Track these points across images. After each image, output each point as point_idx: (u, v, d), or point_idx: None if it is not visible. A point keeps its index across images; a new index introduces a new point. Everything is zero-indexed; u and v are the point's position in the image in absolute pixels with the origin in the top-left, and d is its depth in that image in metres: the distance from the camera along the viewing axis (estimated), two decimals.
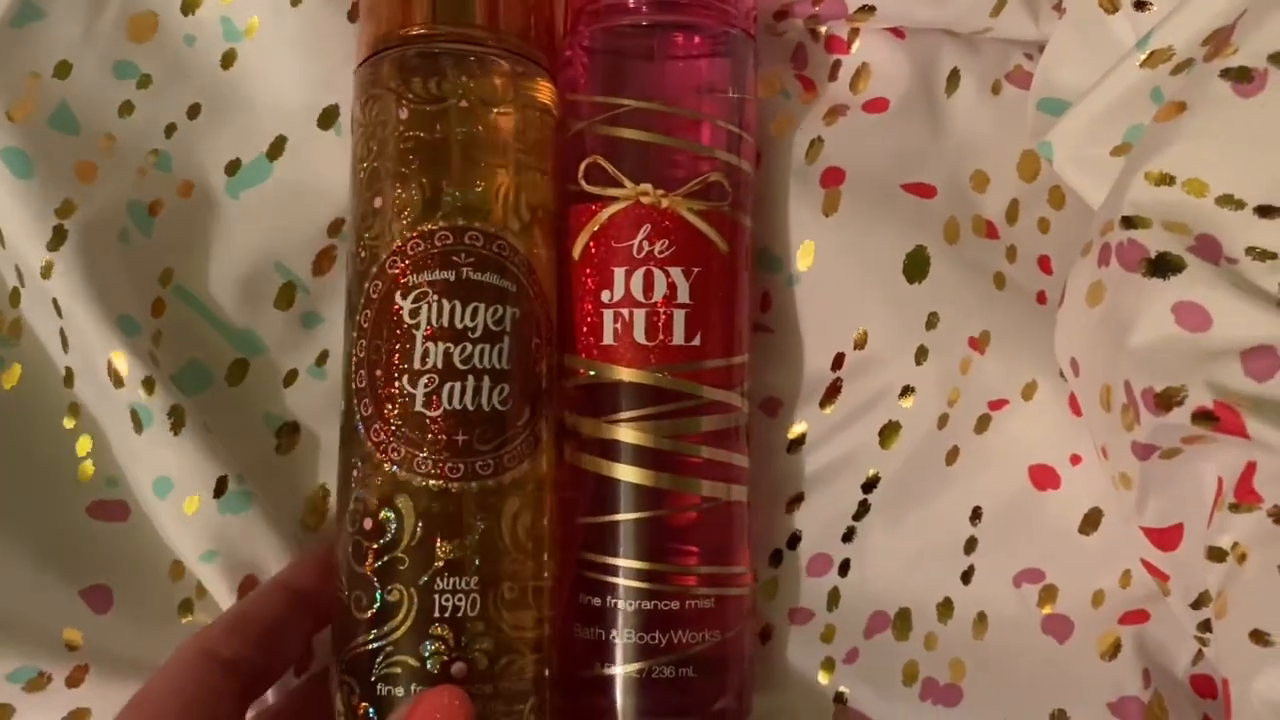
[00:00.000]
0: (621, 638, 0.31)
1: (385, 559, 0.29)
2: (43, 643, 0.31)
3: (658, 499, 0.32)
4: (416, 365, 0.30)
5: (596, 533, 0.32)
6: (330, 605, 0.30)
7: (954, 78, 0.37)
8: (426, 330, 0.30)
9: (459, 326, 0.30)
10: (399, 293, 0.30)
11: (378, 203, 0.31)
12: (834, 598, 0.36)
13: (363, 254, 0.31)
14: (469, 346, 0.30)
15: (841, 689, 0.35)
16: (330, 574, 0.30)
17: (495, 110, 0.31)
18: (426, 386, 0.30)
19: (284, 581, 0.31)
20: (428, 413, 0.30)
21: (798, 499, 0.36)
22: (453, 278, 0.30)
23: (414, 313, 0.30)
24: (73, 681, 0.31)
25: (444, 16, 0.31)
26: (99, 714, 0.32)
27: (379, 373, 0.30)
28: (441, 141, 0.31)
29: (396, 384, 0.30)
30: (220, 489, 0.32)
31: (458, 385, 0.30)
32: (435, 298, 0.30)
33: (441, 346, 0.30)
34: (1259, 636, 0.26)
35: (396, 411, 0.30)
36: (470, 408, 0.30)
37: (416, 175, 0.30)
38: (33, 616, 0.31)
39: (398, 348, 0.30)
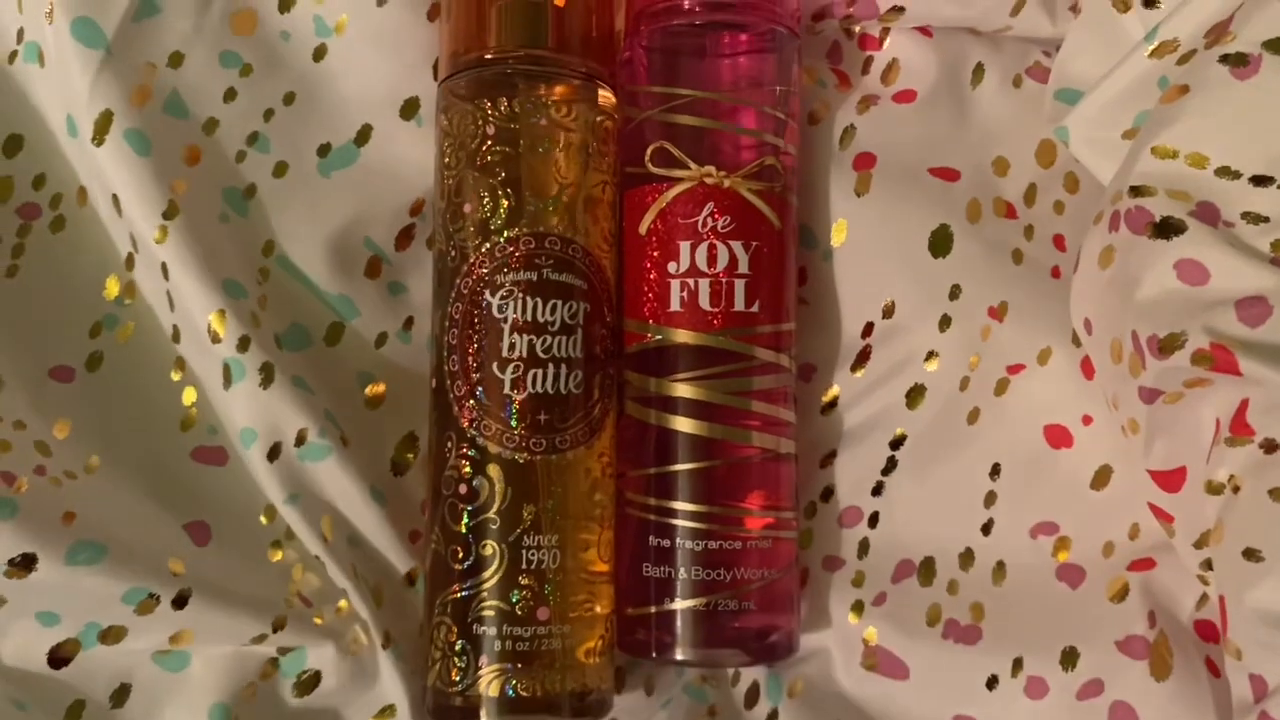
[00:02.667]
0: (689, 574, 0.35)
1: (479, 519, 0.34)
2: (152, 568, 0.34)
3: (717, 449, 0.35)
4: (504, 354, 0.34)
5: (662, 481, 0.35)
6: None
7: (978, 71, 0.40)
8: (513, 324, 0.34)
9: (540, 320, 0.34)
10: (488, 290, 0.34)
11: (467, 208, 0.35)
12: (864, 547, 0.39)
13: (453, 252, 0.35)
14: (549, 338, 0.34)
15: (870, 629, 0.38)
16: None
17: (566, 123, 0.35)
18: (513, 373, 0.34)
19: None
20: (514, 395, 0.34)
21: (831, 456, 0.39)
22: (535, 278, 0.34)
23: (501, 308, 0.34)
24: (178, 603, 0.34)
25: (517, 38, 0.35)
26: (200, 637, 0.35)
27: (470, 359, 0.34)
28: (522, 157, 0.35)
29: (486, 369, 0.34)
30: (300, 440, 0.36)
31: (539, 372, 0.34)
32: (520, 295, 0.34)
33: (526, 338, 0.34)
34: (1251, 554, 0.29)
35: (486, 393, 0.34)
36: (550, 391, 0.34)
37: (502, 186, 0.35)
38: (143, 545, 0.34)
39: (487, 338, 0.34)
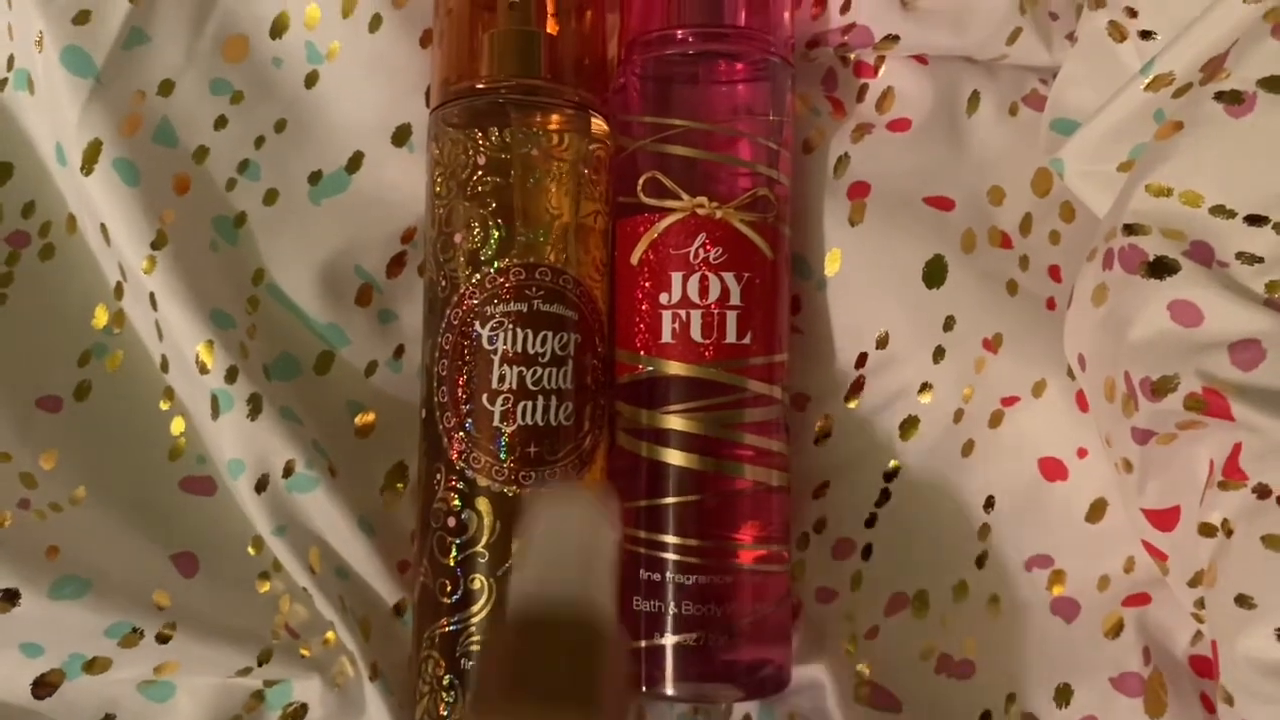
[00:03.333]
0: (680, 609, 0.34)
1: (467, 553, 0.34)
2: (137, 602, 0.34)
3: (708, 482, 0.35)
4: (494, 385, 0.34)
5: (653, 514, 0.35)
6: None
7: (974, 100, 0.40)
8: (503, 355, 0.34)
9: (531, 352, 0.34)
10: (478, 321, 0.34)
11: (458, 238, 0.35)
12: (857, 579, 0.39)
13: (443, 282, 0.35)
14: (539, 370, 0.34)
15: (863, 662, 0.38)
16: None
17: (559, 153, 0.35)
18: (503, 405, 0.34)
19: None
20: (503, 427, 0.34)
21: (824, 486, 0.39)
22: (525, 309, 0.34)
23: (492, 339, 0.34)
24: (161, 638, 0.34)
25: (510, 68, 0.35)
26: (184, 668, 0.35)
27: (459, 390, 0.34)
28: (513, 187, 0.34)
29: (476, 401, 0.34)
30: (288, 471, 0.36)
31: (529, 404, 0.34)
32: (511, 327, 0.34)
33: (516, 370, 0.34)
34: (1243, 600, 0.29)
35: (476, 425, 0.34)
36: (540, 423, 0.34)
37: (493, 216, 0.34)
38: (128, 578, 0.34)
39: (477, 369, 0.34)
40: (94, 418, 0.36)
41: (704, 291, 0.35)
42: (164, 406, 0.37)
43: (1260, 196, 0.31)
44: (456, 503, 0.34)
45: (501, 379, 0.34)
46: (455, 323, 0.34)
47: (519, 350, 0.34)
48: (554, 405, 0.34)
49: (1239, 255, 0.31)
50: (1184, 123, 0.32)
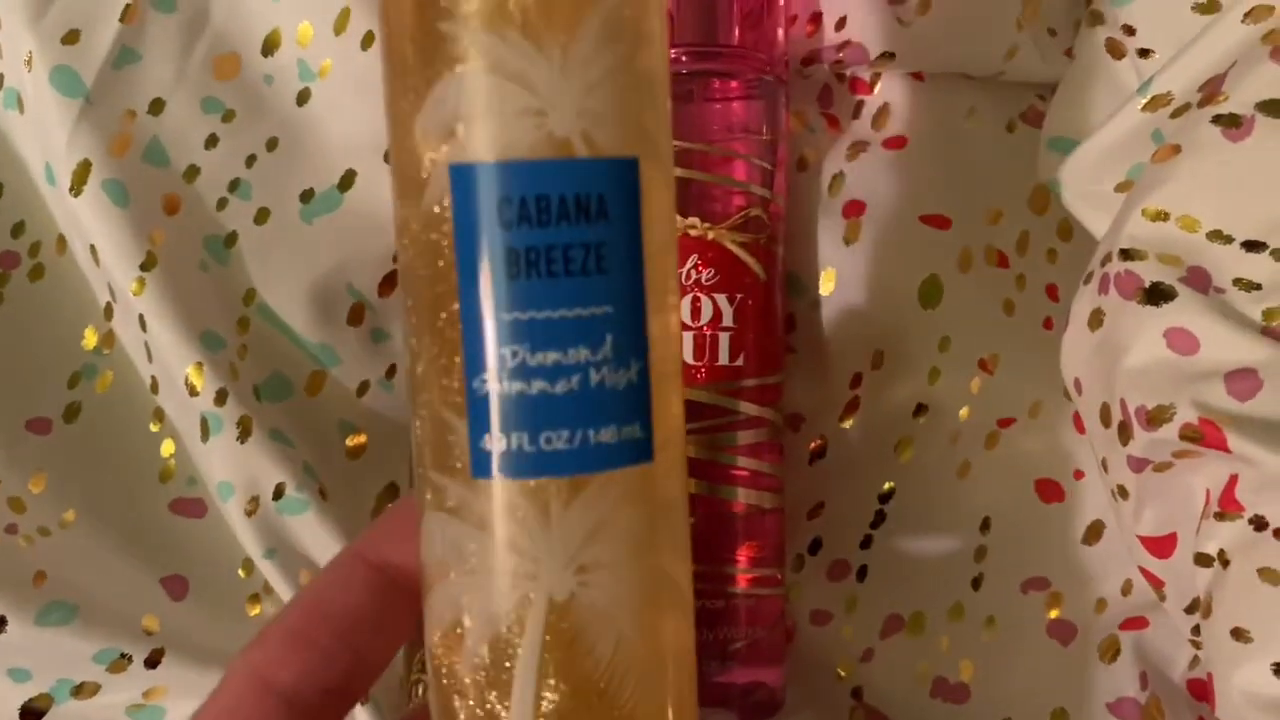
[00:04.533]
0: None
1: None
2: (124, 627, 0.34)
3: (701, 505, 0.35)
4: None
5: None
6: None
7: (971, 117, 0.40)
8: None
9: None
10: None
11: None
12: (852, 601, 0.38)
13: None
14: None
15: (858, 685, 0.37)
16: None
17: None
18: None
19: (363, 554, 0.23)
20: None
21: (818, 508, 0.39)
22: None
23: None
24: (150, 663, 0.34)
25: None
26: (173, 692, 0.35)
27: None
28: None
29: None
30: (278, 493, 0.35)
31: None
32: None
33: None
34: (1239, 634, 0.28)
35: None
36: None
37: None
38: (116, 603, 0.34)
39: None
40: (84, 440, 0.36)
41: (696, 313, 0.35)
42: (154, 428, 0.37)
43: (1258, 222, 0.30)
44: None
45: None
46: None
47: None
48: None
49: (1236, 281, 0.30)
50: (1181, 146, 0.32)
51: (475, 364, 0.20)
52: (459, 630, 0.21)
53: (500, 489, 0.20)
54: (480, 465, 0.20)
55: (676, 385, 0.22)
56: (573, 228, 0.20)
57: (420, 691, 0.34)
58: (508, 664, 0.20)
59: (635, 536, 0.21)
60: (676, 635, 0.22)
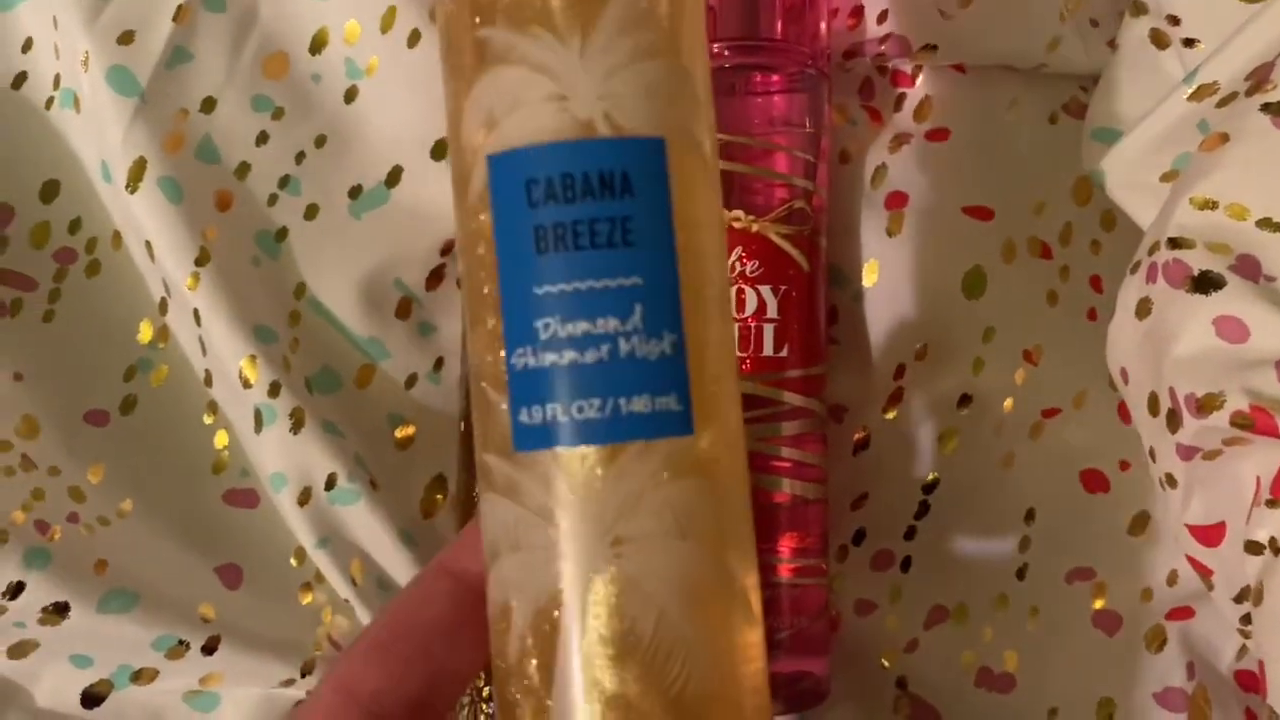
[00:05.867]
0: None
1: None
2: (182, 614, 0.35)
3: None
4: None
5: None
6: None
7: (1013, 108, 0.40)
8: None
9: None
10: None
11: None
12: (896, 592, 0.38)
13: None
14: None
15: (903, 675, 0.37)
16: None
17: None
18: None
19: (447, 566, 0.23)
20: None
21: (863, 498, 0.39)
22: None
23: None
24: (207, 650, 0.35)
25: None
26: (229, 679, 0.35)
27: None
28: None
29: None
30: (330, 484, 0.36)
31: None
32: None
33: None
34: None
35: None
36: None
37: None
38: (174, 590, 0.35)
39: None
40: (140, 432, 0.37)
41: (740, 305, 0.35)
42: (208, 420, 0.38)
43: None
44: None
45: None
46: None
47: None
48: None
49: None
50: (1230, 134, 0.32)
51: (513, 339, 0.21)
52: (508, 613, 0.21)
53: (538, 461, 0.20)
54: (520, 438, 0.21)
55: (731, 362, 0.22)
56: (597, 203, 0.21)
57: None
58: (550, 641, 0.20)
59: (677, 511, 0.21)
60: (728, 620, 0.21)
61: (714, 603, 0.21)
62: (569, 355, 0.20)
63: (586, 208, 0.21)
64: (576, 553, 0.20)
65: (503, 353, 0.21)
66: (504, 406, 0.21)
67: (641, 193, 0.21)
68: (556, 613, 0.20)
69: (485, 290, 0.21)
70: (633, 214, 0.21)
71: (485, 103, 0.21)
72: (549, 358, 0.20)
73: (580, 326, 0.20)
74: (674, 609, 0.20)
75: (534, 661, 0.21)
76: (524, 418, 0.21)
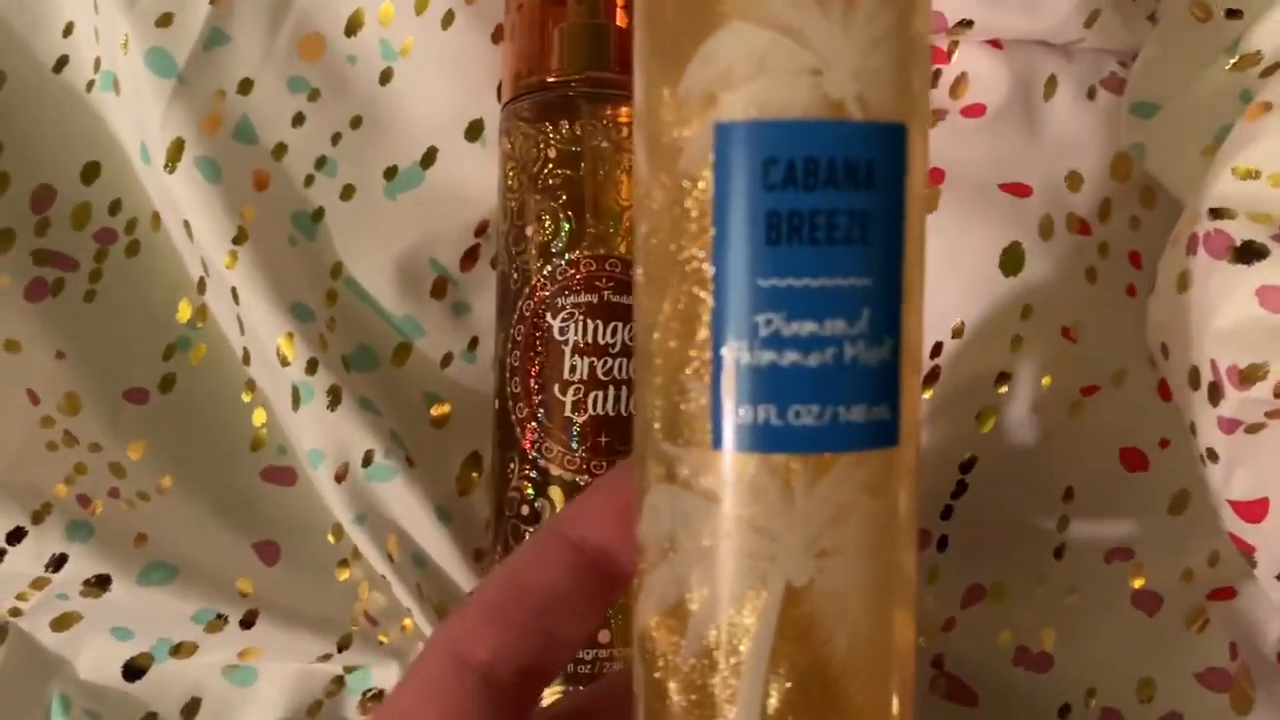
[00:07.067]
0: None
1: None
2: (221, 589, 0.35)
3: None
4: (565, 376, 0.34)
5: None
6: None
7: (1050, 84, 0.39)
8: (574, 346, 0.34)
9: (602, 343, 0.34)
10: (549, 312, 0.34)
11: (529, 231, 0.35)
12: (933, 571, 0.38)
13: (515, 275, 0.35)
14: (610, 360, 0.34)
15: (939, 654, 0.37)
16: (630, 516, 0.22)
17: (629, 146, 0.35)
18: (574, 395, 0.34)
19: (564, 532, 0.23)
20: (575, 417, 0.34)
21: None
22: (596, 300, 0.34)
23: (563, 330, 0.34)
24: (245, 624, 0.35)
25: (580, 62, 0.35)
26: (267, 654, 0.36)
27: (532, 381, 0.34)
28: (584, 179, 0.35)
29: (548, 392, 0.34)
30: (367, 460, 0.36)
31: (600, 394, 0.34)
32: (581, 318, 0.34)
33: (587, 360, 0.34)
34: None
35: (548, 415, 0.34)
36: (611, 414, 0.34)
37: (564, 208, 0.35)
38: (213, 565, 0.35)
39: (548, 360, 0.34)
40: (179, 409, 0.38)
41: None
42: (246, 398, 0.38)
43: None
44: (530, 491, 0.34)
45: (573, 369, 0.34)
46: (527, 314, 0.35)
47: (590, 341, 0.34)
48: (624, 395, 0.34)
49: None
50: (1272, 104, 0.31)
51: (725, 331, 0.19)
52: (682, 611, 0.20)
53: (742, 462, 0.19)
54: (721, 436, 0.19)
55: (919, 369, 0.21)
56: (840, 193, 0.19)
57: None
58: (734, 650, 0.19)
59: (877, 524, 0.20)
60: (905, 630, 0.21)
61: (899, 617, 0.20)
62: (790, 356, 0.19)
63: (828, 197, 0.19)
64: (777, 560, 0.19)
65: (708, 342, 0.19)
66: (703, 400, 0.19)
67: (881, 185, 0.19)
68: (745, 619, 0.19)
69: (688, 274, 0.19)
70: (871, 208, 0.19)
71: (717, 64, 0.19)
72: (767, 356, 0.19)
73: (807, 327, 0.19)
74: (866, 625, 0.20)
75: (707, 664, 0.20)
76: (730, 416, 0.19)
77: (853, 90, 0.19)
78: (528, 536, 0.34)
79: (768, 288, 0.19)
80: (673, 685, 0.20)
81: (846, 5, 0.18)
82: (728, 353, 0.19)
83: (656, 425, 0.20)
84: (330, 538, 0.37)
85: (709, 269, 0.19)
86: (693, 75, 0.19)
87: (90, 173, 0.38)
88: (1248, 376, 0.29)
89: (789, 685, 0.19)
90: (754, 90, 0.19)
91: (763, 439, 0.19)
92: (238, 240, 0.36)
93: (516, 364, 0.35)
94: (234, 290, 0.36)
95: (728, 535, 0.19)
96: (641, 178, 0.20)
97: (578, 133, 0.35)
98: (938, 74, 0.40)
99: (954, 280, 0.37)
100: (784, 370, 0.19)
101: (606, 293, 0.35)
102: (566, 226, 0.35)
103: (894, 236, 0.19)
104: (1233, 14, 0.35)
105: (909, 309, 0.20)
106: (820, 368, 0.19)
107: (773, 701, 0.19)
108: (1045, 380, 0.37)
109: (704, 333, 0.19)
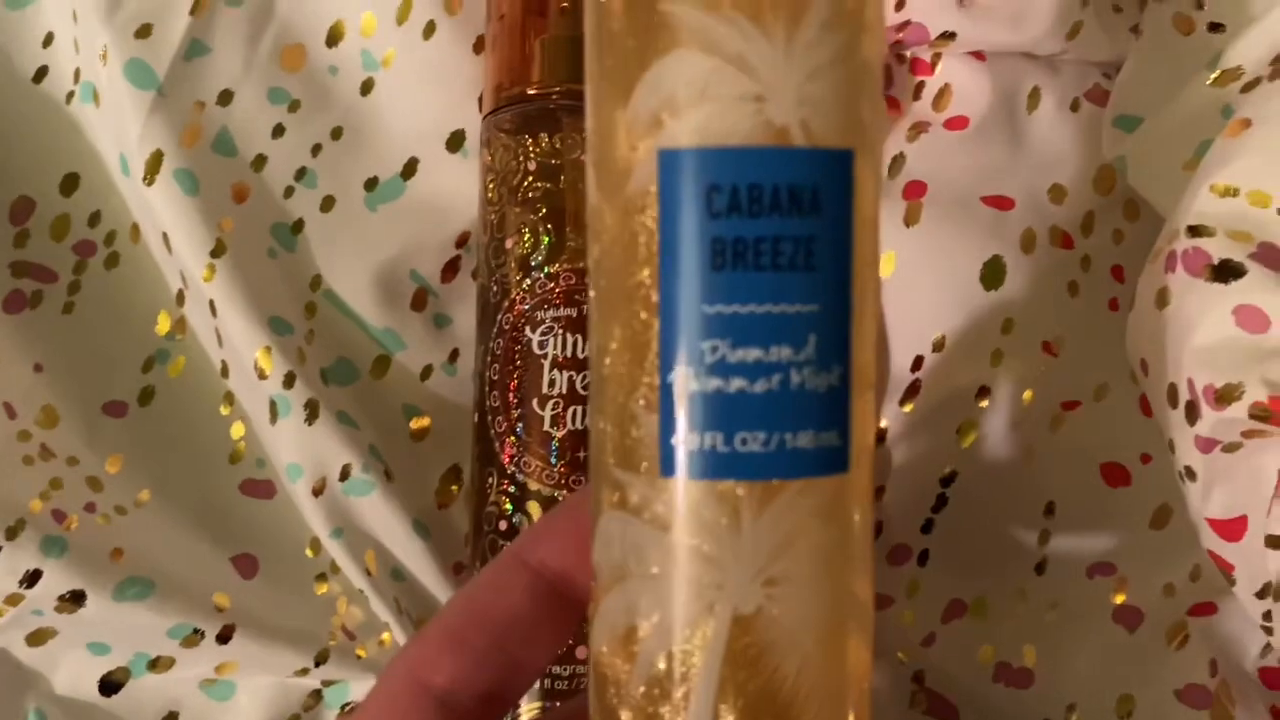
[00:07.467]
0: None
1: None
2: (197, 603, 0.35)
3: None
4: (545, 390, 0.34)
5: None
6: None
7: (1034, 96, 0.39)
8: (554, 360, 0.34)
9: (581, 357, 0.34)
10: (529, 326, 0.34)
11: (509, 244, 0.35)
12: (913, 586, 0.38)
13: (495, 288, 0.35)
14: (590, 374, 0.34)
15: (920, 670, 0.37)
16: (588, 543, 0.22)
17: None
18: (553, 409, 0.34)
19: (524, 557, 0.23)
20: (554, 432, 0.34)
21: (879, 492, 0.38)
22: (575, 314, 0.34)
23: (542, 344, 0.34)
24: (222, 639, 0.35)
25: (561, 74, 0.35)
26: (244, 668, 0.36)
27: (511, 395, 0.34)
28: (564, 192, 0.34)
29: (527, 406, 0.34)
30: (345, 475, 0.36)
31: (580, 409, 0.34)
32: (561, 332, 0.34)
33: (566, 375, 0.34)
34: None
35: (526, 430, 0.34)
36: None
37: (544, 221, 0.34)
38: (190, 579, 0.35)
39: (528, 374, 0.34)
40: (157, 423, 0.37)
41: None
42: (224, 411, 0.38)
43: None
44: (508, 506, 0.34)
45: (552, 384, 0.34)
46: (506, 328, 0.35)
47: (569, 355, 0.34)
48: None
49: None
50: (1252, 120, 0.31)
51: (671, 358, 0.19)
52: (633, 639, 0.20)
53: (689, 490, 0.19)
54: (669, 464, 0.19)
55: (871, 394, 0.21)
56: (784, 220, 0.19)
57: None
58: (684, 678, 0.19)
59: (827, 551, 0.20)
60: (859, 658, 0.21)
61: (852, 645, 0.20)
62: (736, 383, 0.19)
63: (772, 224, 0.19)
64: (724, 588, 0.19)
65: (656, 368, 0.19)
66: (651, 427, 0.19)
67: (827, 211, 0.19)
68: (694, 646, 0.19)
69: (636, 301, 0.19)
70: (817, 234, 0.19)
71: (661, 91, 0.19)
72: (713, 383, 0.19)
73: (752, 353, 0.19)
74: (817, 653, 0.20)
75: (658, 692, 0.20)
76: (676, 442, 0.19)
77: (796, 116, 0.19)
78: None
79: (713, 314, 0.19)
80: (625, 714, 0.20)
81: (789, 32, 0.19)
82: (675, 379, 0.19)
83: (608, 451, 0.20)
84: (308, 551, 0.37)
85: (655, 295, 0.19)
86: (639, 101, 0.19)
87: (69, 184, 0.38)
88: (1223, 396, 0.29)
89: (739, 713, 0.19)
90: (697, 117, 0.19)
91: (710, 466, 0.19)
92: (215, 253, 0.36)
93: (496, 378, 0.35)
94: (212, 303, 0.36)
95: (676, 563, 0.19)
96: (592, 200, 0.20)
97: (558, 145, 0.35)
98: (920, 86, 0.40)
99: (935, 293, 0.37)
100: (730, 397, 0.19)
101: (586, 306, 0.34)
102: (546, 240, 0.35)
103: (841, 262, 0.19)
104: (1215, 27, 0.35)
105: (859, 333, 0.20)
106: (766, 394, 0.19)
107: None
108: (1026, 395, 0.37)
109: (652, 358, 0.19)
